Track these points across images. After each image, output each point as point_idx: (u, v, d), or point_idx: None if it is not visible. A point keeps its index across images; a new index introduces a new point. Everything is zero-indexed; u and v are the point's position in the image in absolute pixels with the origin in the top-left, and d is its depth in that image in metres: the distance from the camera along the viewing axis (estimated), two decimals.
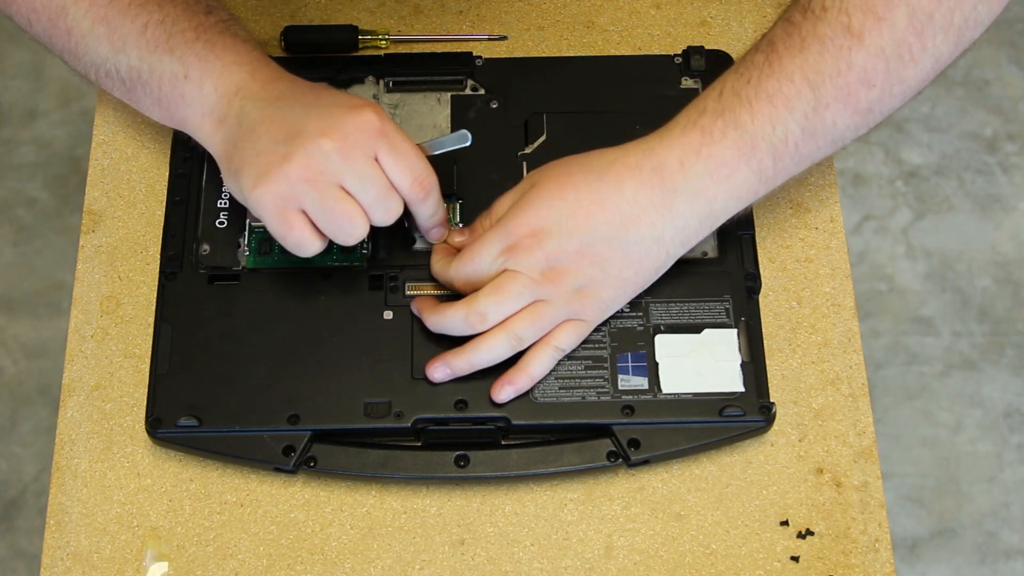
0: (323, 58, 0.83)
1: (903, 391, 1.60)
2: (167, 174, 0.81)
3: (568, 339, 0.71)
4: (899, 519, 1.52)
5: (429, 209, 0.71)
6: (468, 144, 0.73)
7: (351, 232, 0.67)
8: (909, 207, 1.71)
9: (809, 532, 0.72)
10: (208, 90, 0.70)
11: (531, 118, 0.80)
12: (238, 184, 0.68)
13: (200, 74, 0.70)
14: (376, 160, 0.67)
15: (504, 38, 0.86)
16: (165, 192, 0.80)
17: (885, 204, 1.71)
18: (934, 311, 1.64)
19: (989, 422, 1.58)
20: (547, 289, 0.69)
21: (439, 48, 0.86)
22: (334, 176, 0.66)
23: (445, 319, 0.71)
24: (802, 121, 0.67)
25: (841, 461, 0.73)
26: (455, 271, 0.72)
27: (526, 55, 0.85)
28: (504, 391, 0.71)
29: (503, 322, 0.70)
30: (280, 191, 0.66)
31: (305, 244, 0.68)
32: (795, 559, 0.71)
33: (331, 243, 0.69)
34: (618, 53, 0.85)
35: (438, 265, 0.74)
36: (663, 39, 0.86)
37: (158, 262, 0.78)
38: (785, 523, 0.72)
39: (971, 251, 1.68)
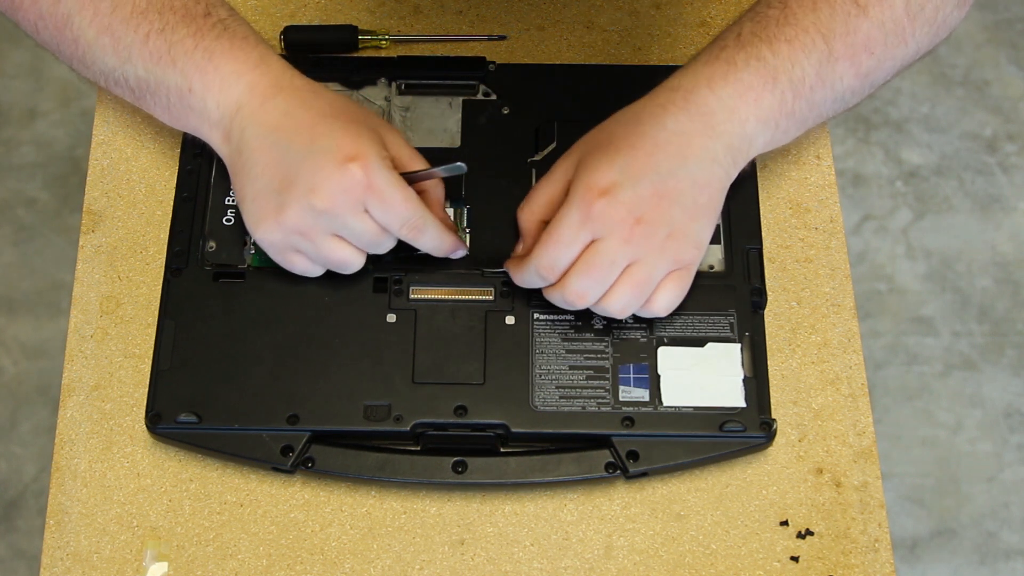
0: (336, 59, 0.83)
1: (903, 391, 1.60)
2: (167, 174, 0.81)
3: (672, 296, 0.70)
4: (899, 519, 1.52)
5: (429, 243, 0.72)
6: (464, 172, 0.72)
7: (346, 269, 0.72)
8: (909, 207, 1.71)
9: (809, 532, 0.72)
10: (211, 105, 0.70)
11: (542, 125, 0.80)
12: (242, 213, 0.71)
13: (203, 88, 0.70)
14: (367, 211, 0.69)
15: (504, 38, 0.86)
16: (165, 192, 0.80)
17: (885, 204, 1.71)
18: (934, 311, 1.64)
19: (989, 422, 1.58)
20: (640, 246, 0.67)
21: (439, 48, 0.86)
22: (326, 229, 0.69)
23: (548, 299, 0.71)
24: (816, 67, 0.69)
25: (841, 461, 0.73)
26: (538, 262, 0.69)
27: (526, 55, 0.85)
28: None
29: (603, 299, 0.69)
30: (276, 238, 0.70)
31: (308, 273, 0.73)
32: (795, 559, 0.71)
33: None
34: (618, 53, 0.85)
35: (515, 272, 0.72)
36: (663, 39, 0.86)
37: (158, 262, 0.78)
38: (785, 523, 0.72)
39: (971, 251, 1.68)
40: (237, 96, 0.69)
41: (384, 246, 0.71)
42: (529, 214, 0.72)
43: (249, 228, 0.70)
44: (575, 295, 0.69)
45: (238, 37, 0.71)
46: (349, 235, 0.69)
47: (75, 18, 0.71)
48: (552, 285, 0.70)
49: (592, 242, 0.68)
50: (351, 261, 0.71)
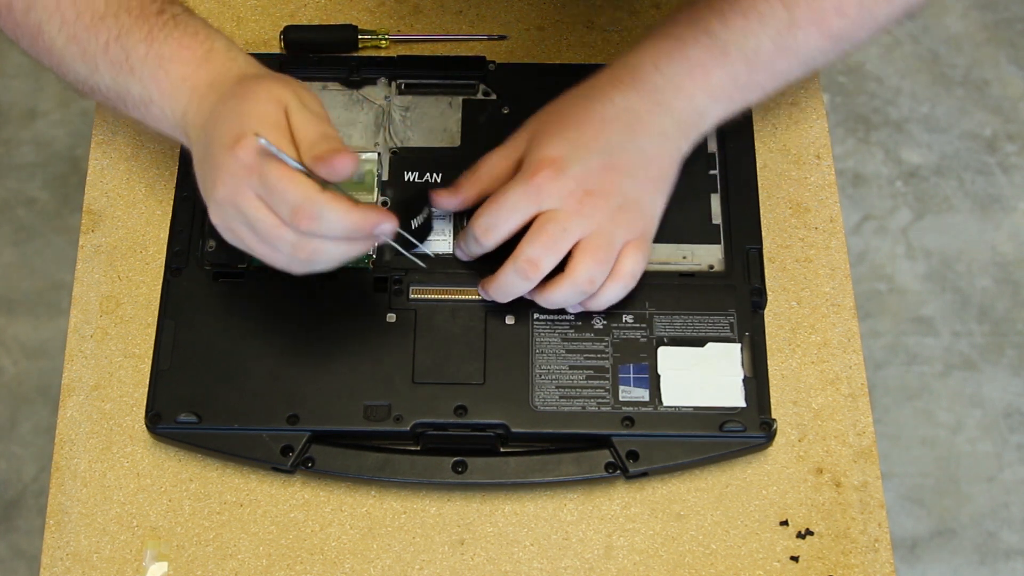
0: (336, 59, 0.83)
1: (903, 391, 1.60)
2: (167, 174, 0.81)
3: (636, 263, 0.70)
4: (899, 519, 1.52)
5: (336, 229, 0.62)
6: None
7: (289, 267, 0.65)
8: (909, 207, 1.71)
9: (809, 532, 0.72)
10: (168, 112, 0.69)
11: None
12: None
13: (160, 96, 0.68)
14: (260, 197, 0.63)
15: (504, 38, 0.86)
16: (165, 192, 0.80)
17: (885, 204, 1.71)
18: (934, 311, 1.64)
19: (989, 422, 1.58)
20: (590, 218, 0.68)
21: (439, 48, 0.86)
22: (240, 222, 0.64)
23: (500, 282, 0.71)
24: (775, 37, 0.69)
25: (841, 461, 0.73)
26: (474, 223, 0.70)
27: (526, 55, 0.85)
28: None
29: (566, 271, 0.69)
30: (230, 239, 0.66)
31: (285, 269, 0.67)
32: (795, 559, 0.71)
33: None
34: (618, 53, 0.85)
35: (457, 243, 0.74)
36: None
37: (158, 261, 0.78)
38: (785, 523, 0.72)
39: (971, 251, 1.68)
40: (184, 102, 0.68)
41: (285, 246, 0.63)
42: (475, 181, 0.72)
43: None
44: (526, 261, 0.69)
45: (188, 33, 0.68)
46: (253, 228, 0.64)
47: (45, 27, 0.70)
48: (507, 262, 0.70)
49: (539, 214, 0.68)
50: (275, 260, 0.65)
